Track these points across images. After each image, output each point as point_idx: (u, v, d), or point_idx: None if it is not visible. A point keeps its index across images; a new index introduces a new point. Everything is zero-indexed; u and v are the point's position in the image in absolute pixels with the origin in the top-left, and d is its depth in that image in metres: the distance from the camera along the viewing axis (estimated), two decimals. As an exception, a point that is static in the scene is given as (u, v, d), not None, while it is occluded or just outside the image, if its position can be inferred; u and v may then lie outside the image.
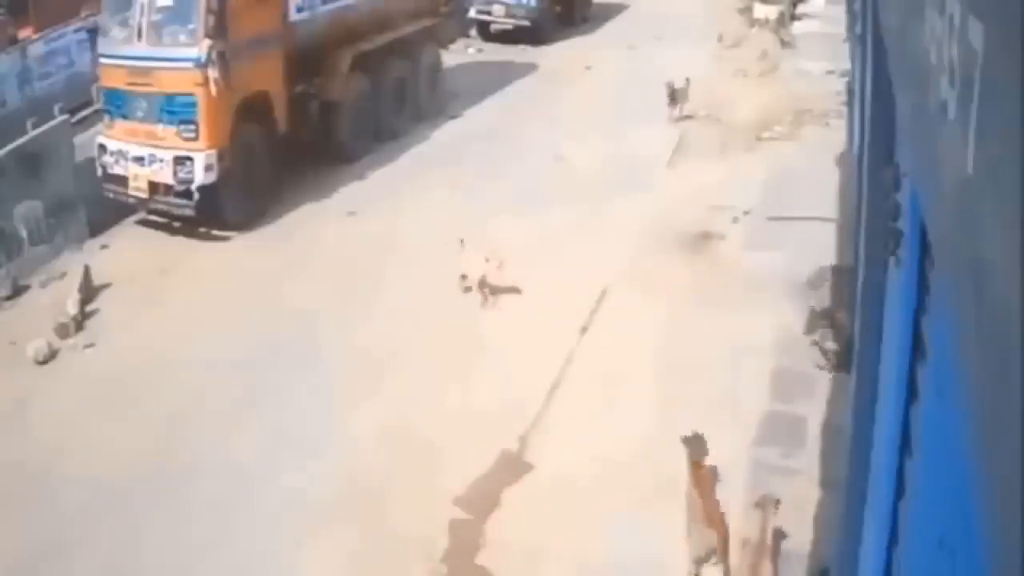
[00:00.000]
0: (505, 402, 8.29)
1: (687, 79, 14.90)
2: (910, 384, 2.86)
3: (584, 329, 9.33)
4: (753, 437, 7.49)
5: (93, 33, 14.30)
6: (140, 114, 11.92)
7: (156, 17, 11.76)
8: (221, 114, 11.65)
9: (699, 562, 6.17)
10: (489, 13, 20.54)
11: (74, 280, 10.75)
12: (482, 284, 9.94)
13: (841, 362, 7.85)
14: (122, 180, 12.05)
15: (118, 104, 12.16)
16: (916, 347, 2.76)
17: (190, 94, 11.53)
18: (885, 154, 3.92)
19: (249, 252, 11.73)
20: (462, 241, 10.24)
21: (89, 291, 10.70)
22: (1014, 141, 0.99)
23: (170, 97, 11.67)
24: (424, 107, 15.95)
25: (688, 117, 14.96)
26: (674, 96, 14.81)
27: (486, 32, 20.99)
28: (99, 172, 12.17)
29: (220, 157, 11.66)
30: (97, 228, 12.33)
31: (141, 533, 7.20)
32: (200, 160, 11.53)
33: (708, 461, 6.22)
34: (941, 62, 1.47)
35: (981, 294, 1.15)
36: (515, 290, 9.99)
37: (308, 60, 13.15)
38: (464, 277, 10.05)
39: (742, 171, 12.65)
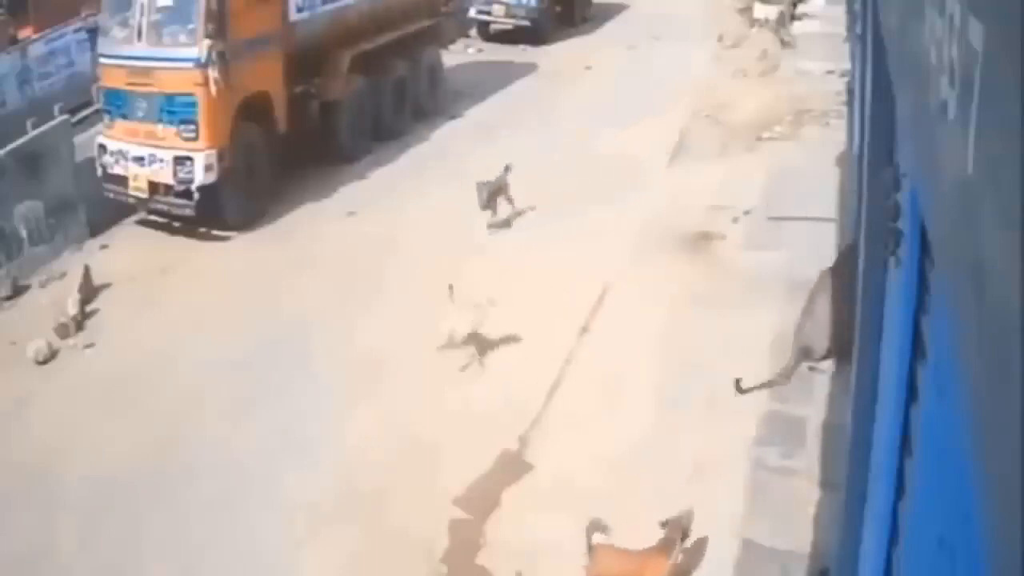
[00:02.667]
0: (505, 402, 8.28)
1: (507, 167, 11.61)
2: (910, 384, 2.85)
3: (584, 329, 9.32)
4: (753, 437, 7.49)
5: (93, 33, 14.30)
6: (140, 114, 11.93)
7: (156, 17, 11.76)
8: (221, 114, 11.66)
9: None
10: (489, 13, 20.54)
11: (74, 280, 10.76)
12: (472, 339, 8.84)
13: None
14: (122, 180, 12.05)
15: (118, 104, 12.16)
16: (916, 347, 2.76)
17: (190, 94, 11.53)
18: (885, 154, 3.92)
19: (249, 252, 11.73)
20: (451, 287, 9.00)
21: (89, 291, 10.70)
22: (1014, 141, 0.99)
23: (170, 97, 11.67)
24: (424, 107, 15.96)
25: (507, 224, 11.68)
26: (494, 195, 11.44)
27: (486, 32, 21.00)
28: (99, 172, 12.17)
29: (220, 157, 11.66)
30: (97, 228, 12.33)
31: (141, 533, 7.21)
32: (200, 160, 11.53)
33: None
34: (941, 62, 1.47)
35: (981, 294, 1.15)
36: (513, 338, 9.01)
37: (308, 60, 13.16)
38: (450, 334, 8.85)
39: (742, 171, 12.65)
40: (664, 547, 5.94)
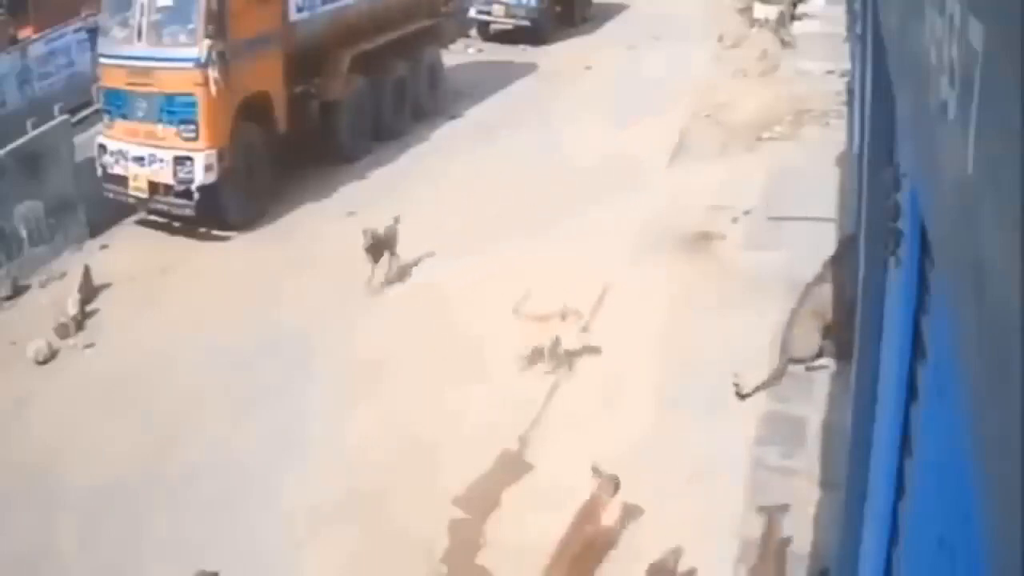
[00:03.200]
0: (505, 402, 8.28)
1: (396, 218, 10.71)
2: (910, 384, 2.85)
3: (584, 329, 9.32)
4: (753, 437, 7.49)
5: (93, 33, 14.31)
6: (140, 114, 11.94)
7: (156, 17, 11.77)
8: (221, 114, 11.66)
9: None
10: (489, 13, 20.54)
11: (74, 280, 10.76)
12: (556, 349, 8.71)
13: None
14: (122, 180, 12.06)
15: (118, 104, 12.17)
16: (916, 347, 2.76)
17: (190, 94, 11.54)
18: (885, 154, 3.92)
19: (249, 252, 11.73)
20: (517, 310, 8.73)
21: (89, 291, 10.71)
22: (1014, 141, 0.99)
23: (170, 97, 11.68)
24: (424, 107, 15.96)
25: (400, 278, 10.59)
26: (379, 248, 10.38)
27: (486, 32, 20.99)
28: (99, 172, 12.18)
29: (220, 157, 11.67)
30: (97, 228, 12.33)
31: (141, 533, 7.21)
32: (200, 160, 11.54)
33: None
34: (941, 62, 1.47)
35: (981, 294, 1.15)
36: (595, 350, 8.80)
37: (308, 60, 13.16)
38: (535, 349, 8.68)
39: (742, 171, 12.65)
40: (595, 503, 6.11)
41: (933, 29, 1.56)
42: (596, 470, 6.78)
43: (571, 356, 8.74)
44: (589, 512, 6.52)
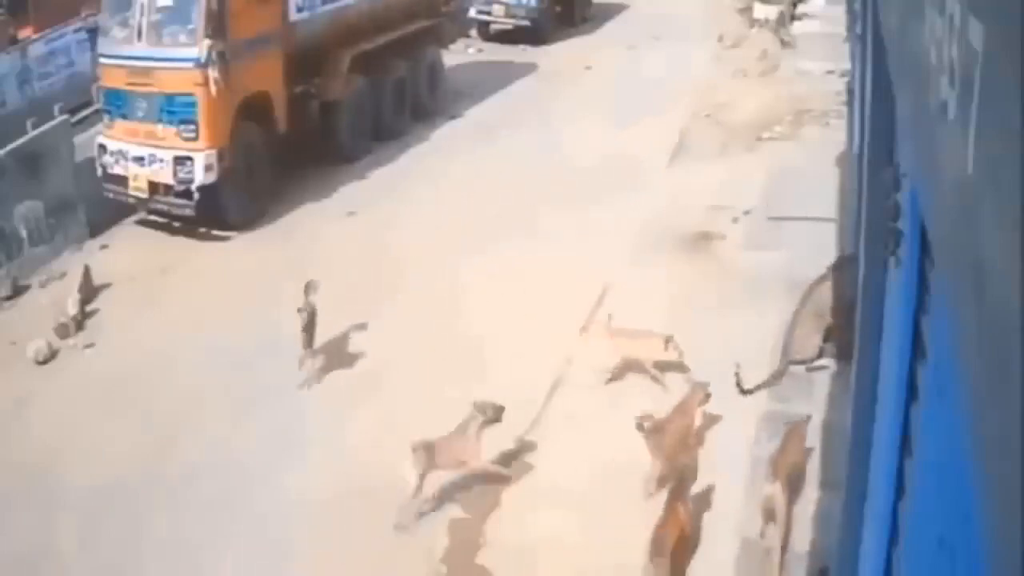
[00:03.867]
0: (505, 402, 8.27)
1: (308, 285, 9.17)
2: (910, 384, 2.85)
3: (584, 329, 9.31)
4: (753, 437, 7.49)
5: (93, 33, 14.31)
6: (140, 114, 11.93)
7: (156, 17, 11.77)
8: (221, 114, 11.66)
9: None
10: (489, 13, 20.54)
11: (74, 280, 10.76)
12: (649, 365, 8.46)
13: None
14: (122, 180, 12.06)
15: (118, 104, 12.17)
16: (916, 347, 2.76)
17: (190, 94, 11.54)
18: (885, 154, 3.92)
19: (249, 252, 11.73)
20: (585, 328, 8.63)
21: (89, 291, 10.71)
22: (1014, 141, 0.99)
23: (170, 97, 11.68)
24: (424, 107, 15.96)
25: (321, 363, 9.06)
26: (310, 327, 8.98)
27: (486, 32, 20.99)
28: (99, 172, 12.17)
29: (220, 157, 11.66)
30: (97, 228, 12.33)
31: (141, 533, 7.21)
32: (200, 160, 11.54)
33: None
34: (941, 62, 1.47)
35: (981, 294, 1.15)
36: (684, 367, 8.33)
37: (308, 60, 13.16)
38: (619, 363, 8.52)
39: (742, 171, 12.65)
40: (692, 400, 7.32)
41: (933, 29, 1.56)
42: (692, 381, 7.75)
43: (661, 370, 8.45)
44: (683, 409, 7.36)
